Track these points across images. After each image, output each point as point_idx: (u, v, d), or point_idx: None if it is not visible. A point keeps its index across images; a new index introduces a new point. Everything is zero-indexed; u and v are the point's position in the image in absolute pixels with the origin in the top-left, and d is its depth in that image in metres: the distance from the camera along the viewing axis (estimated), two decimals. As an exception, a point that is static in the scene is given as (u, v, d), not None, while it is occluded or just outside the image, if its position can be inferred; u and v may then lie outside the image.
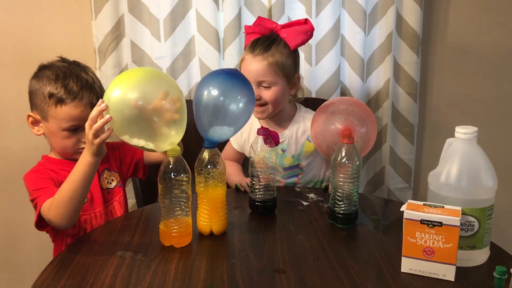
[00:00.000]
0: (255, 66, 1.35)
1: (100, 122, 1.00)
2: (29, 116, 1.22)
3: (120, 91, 0.99)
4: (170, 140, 1.03)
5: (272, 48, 1.34)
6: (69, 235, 1.23)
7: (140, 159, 1.37)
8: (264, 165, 1.19)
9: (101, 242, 1.08)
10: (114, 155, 1.34)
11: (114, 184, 1.31)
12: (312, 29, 1.36)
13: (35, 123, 1.23)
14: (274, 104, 1.38)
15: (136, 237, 1.09)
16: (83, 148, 1.17)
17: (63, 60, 1.24)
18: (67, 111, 1.17)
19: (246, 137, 1.50)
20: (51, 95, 1.16)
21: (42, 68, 1.22)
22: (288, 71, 1.37)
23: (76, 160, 1.21)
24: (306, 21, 1.36)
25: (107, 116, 0.99)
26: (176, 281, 0.93)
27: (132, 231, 1.12)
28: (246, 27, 1.41)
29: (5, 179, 1.76)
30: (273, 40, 1.36)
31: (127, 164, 1.36)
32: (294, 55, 1.39)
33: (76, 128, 1.19)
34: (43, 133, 1.23)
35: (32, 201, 1.16)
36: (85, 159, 1.07)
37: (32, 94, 1.21)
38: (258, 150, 1.18)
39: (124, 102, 0.98)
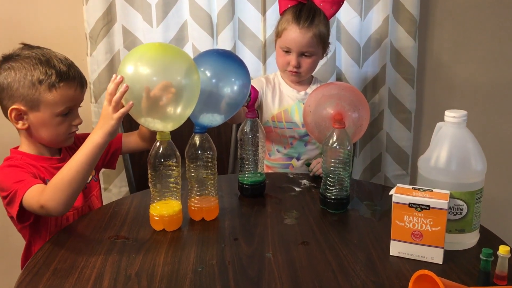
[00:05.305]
0: (301, 38, 1.39)
1: (119, 93, 0.98)
2: (12, 110, 1.11)
3: (134, 65, 0.99)
4: (178, 119, 1.03)
5: (315, 20, 1.39)
6: (52, 233, 1.15)
7: (118, 149, 1.33)
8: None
9: (92, 227, 1.09)
10: None
11: (90, 178, 1.26)
12: None
13: (18, 116, 1.12)
14: (310, 71, 1.48)
15: (127, 223, 1.10)
16: (74, 132, 1.18)
17: (29, 46, 1.15)
18: (62, 93, 1.11)
19: (266, 90, 1.51)
20: (41, 81, 1.10)
21: (9, 58, 1.12)
22: (325, 41, 1.45)
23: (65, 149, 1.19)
24: None
25: (124, 86, 0.97)
26: (166, 264, 0.93)
27: (123, 217, 1.12)
28: None
29: None
30: (315, 11, 1.40)
31: (103, 155, 1.24)
32: (329, 25, 1.45)
33: (67, 112, 1.15)
34: (28, 126, 1.13)
35: (6, 196, 1.07)
36: (94, 140, 1.02)
37: (10, 86, 1.10)
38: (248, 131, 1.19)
39: (137, 76, 0.98)
